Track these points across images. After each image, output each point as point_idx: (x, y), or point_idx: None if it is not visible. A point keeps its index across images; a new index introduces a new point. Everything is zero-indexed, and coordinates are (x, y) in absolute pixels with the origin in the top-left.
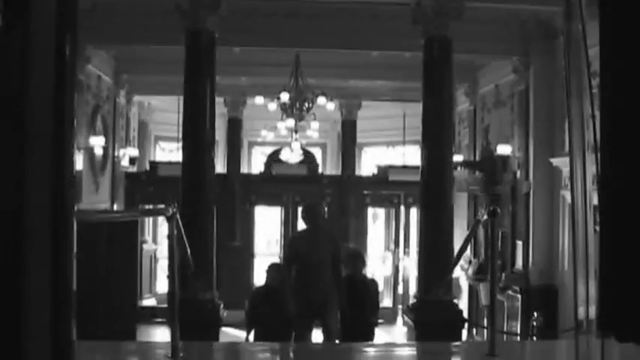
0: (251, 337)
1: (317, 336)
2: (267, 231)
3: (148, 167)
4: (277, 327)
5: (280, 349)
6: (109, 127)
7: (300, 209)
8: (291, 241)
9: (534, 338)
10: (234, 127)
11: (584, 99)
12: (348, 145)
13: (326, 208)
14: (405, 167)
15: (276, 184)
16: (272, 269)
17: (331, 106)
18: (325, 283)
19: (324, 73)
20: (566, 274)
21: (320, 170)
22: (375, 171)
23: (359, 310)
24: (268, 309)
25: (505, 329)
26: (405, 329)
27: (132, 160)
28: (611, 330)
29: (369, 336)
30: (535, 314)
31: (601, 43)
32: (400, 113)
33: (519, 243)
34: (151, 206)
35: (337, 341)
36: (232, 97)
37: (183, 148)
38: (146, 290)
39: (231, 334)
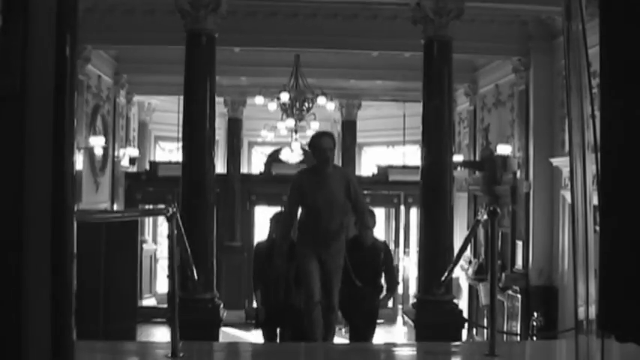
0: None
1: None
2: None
3: (148, 167)
4: (282, 283)
5: (280, 349)
6: (109, 127)
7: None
8: (294, 179)
9: (534, 338)
10: (234, 127)
11: (584, 99)
12: (348, 145)
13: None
14: (405, 167)
15: (276, 184)
16: (276, 220)
17: (331, 106)
18: (335, 232)
19: (324, 73)
20: (566, 274)
21: None
22: (375, 171)
23: (363, 278)
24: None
25: (505, 329)
26: (405, 329)
27: (132, 160)
28: (611, 330)
29: (372, 315)
30: (535, 314)
31: (601, 43)
32: (400, 113)
33: (519, 243)
34: (151, 206)
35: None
36: (232, 97)
37: (184, 148)
38: (146, 290)
39: (231, 334)
